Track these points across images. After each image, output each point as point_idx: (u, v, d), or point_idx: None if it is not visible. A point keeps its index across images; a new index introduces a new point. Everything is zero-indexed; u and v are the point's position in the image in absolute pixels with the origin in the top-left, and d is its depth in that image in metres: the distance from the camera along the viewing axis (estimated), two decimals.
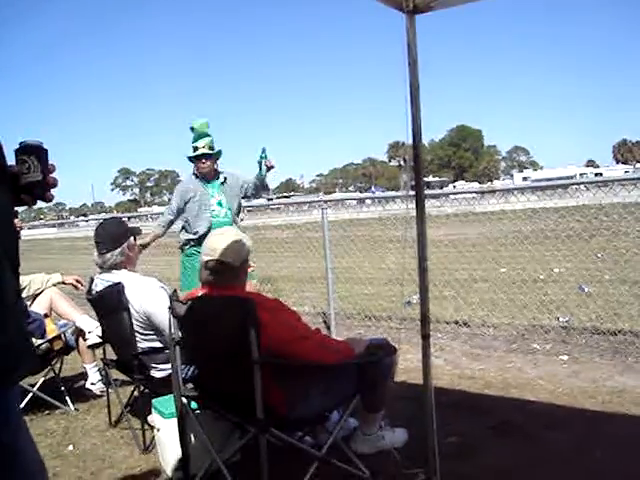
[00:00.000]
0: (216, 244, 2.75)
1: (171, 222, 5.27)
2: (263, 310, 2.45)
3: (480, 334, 5.70)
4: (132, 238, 3.89)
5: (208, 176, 5.13)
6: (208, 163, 5.09)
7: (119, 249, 3.78)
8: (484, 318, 6.03)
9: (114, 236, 3.83)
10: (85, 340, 4.49)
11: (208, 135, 5.09)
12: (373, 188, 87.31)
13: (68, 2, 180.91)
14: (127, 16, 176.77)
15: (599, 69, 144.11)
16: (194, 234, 5.06)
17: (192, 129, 5.07)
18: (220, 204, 5.12)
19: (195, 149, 5.06)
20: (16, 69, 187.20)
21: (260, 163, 5.04)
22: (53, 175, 1.51)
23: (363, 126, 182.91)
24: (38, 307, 4.44)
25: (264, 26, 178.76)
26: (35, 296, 4.54)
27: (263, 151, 5.05)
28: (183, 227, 5.22)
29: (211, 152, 5.08)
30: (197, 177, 5.15)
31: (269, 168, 5.10)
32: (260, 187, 5.26)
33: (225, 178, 5.19)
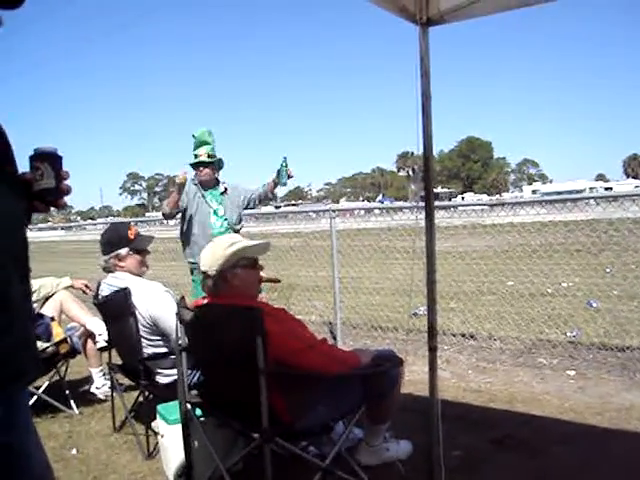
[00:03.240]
0: (203, 254, 2.81)
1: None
2: (269, 319, 2.44)
3: (487, 347, 5.67)
4: (125, 250, 3.86)
5: (207, 184, 5.10)
6: (207, 171, 5.07)
7: (107, 256, 3.85)
8: (491, 331, 6.00)
9: (107, 242, 3.90)
10: (95, 343, 4.50)
11: (208, 143, 5.06)
12: (381, 197, 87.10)
13: (78, 6, 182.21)
14: (139, 21, 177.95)
15: (611, 83, 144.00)
16: (190, 246, 5.06)
17: (193, 137, 5.07)
18: (216, 214, 5.06)
19: (195, 157, 5.05)
20: (25, 73, 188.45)
21: (279, 172, 5.01)
22: (66, 182, 1.51)
23: (372, 136, 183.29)
24: (48, 310, 4.46)
25: (276, 35, 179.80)
26: (45, 299, 4.57)
27: (284, 160, 5.02)
28: (183, 241, 5.19)
29: (210, 160, 5.05)
30: (196, 185, 5.12)
31: (288, 177, 5.09)
32: (265, 197, 5.26)
33: (226, 189, 5.16)
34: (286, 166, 5.01)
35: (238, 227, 5.19)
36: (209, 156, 5.05)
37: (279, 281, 3.47)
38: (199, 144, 5.04)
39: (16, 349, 1.29)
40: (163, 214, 5.16)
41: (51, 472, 1.57)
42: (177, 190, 4.90)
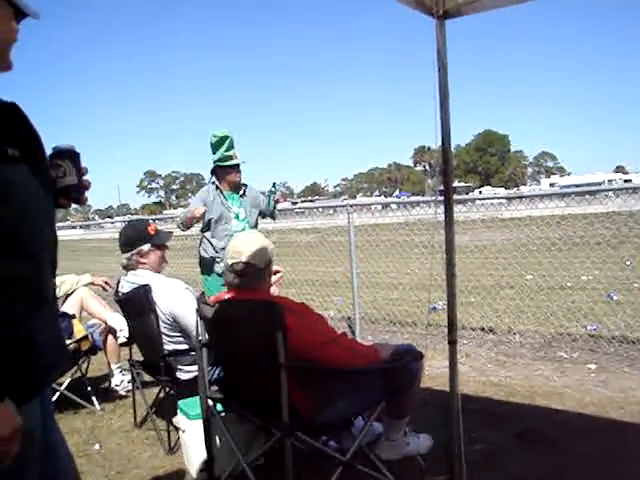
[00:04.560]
0: (241, 247, 2.76)
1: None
2: (290, 314, 2.45)
3: (506, 341, 5.65)
4: (147, 246, 3.87)
5: (233, 187, 4.98)
6: (239, 173, 4.97)
7: (128, 254, 3.85)
8: (510, 325, 5.98)
9: (127, 240, 3.91)
10: (116, 339, 4.54)
11: (233, 146, 4.93)
12: (398, 193, 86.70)
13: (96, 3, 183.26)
14: (157, 18, 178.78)
15: (628, 74, 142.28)
16: (216, 252, 4.89)
17: (223, 138, 4.85)
18: (237, 217, 4.96)
19: (229, 158, 4.87)
20: (43, 71, 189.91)
21: (269, 197, 4.97)
22: (86, 177, 1.55)
23: (388, 131, 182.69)
24: (69, 307, 4.51)
25: (291, 29, 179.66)
26: (66, 297, 4.61)
27: (274, 185, 5.01)
28: (201, 241, 5.09)
29: (241, 162, 4.96)
30: (217, 188, 4.97)
31: (276, 202, 5.05)
32: (267, 214, 5.20)
33: (244, 190, 5.05)
34: (275, 192, 5.00)
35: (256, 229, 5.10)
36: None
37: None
38: (230, 146, 4.89)
39: (50, 343, 1.34)
40: (179, 227, 5.01)
41: (75, 466, 1.61)
42: (194, 219, 4.82)
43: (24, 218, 1.26)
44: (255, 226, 5.09)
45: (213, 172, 5.04)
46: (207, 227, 4.97)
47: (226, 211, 4.91)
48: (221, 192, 4.96)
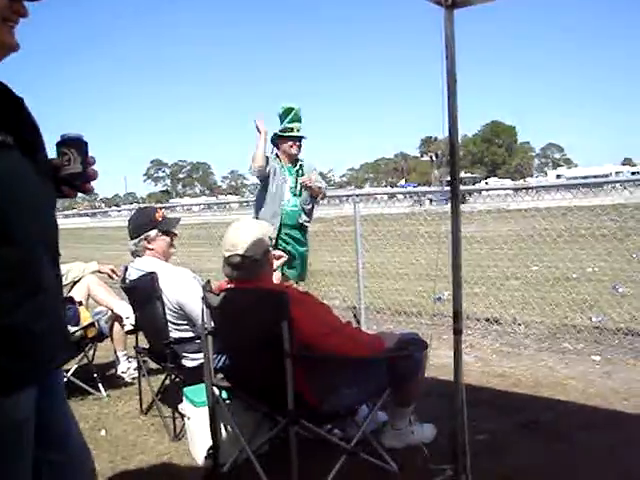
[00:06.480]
0: (235, 239, 2.71)
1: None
2: (295, 303, 2.46)
3: (511, 332, 5.65)
4: (154, 232, 3.89)
5: (292, 159, 5.11)
6: (297, 145, 5.09)
7: (136, 239, 3.87)
8: (515, 316, 5.98)
9: (135, 226, 3.93)
10: (122, 326, 4.56)
11: (300, 120, 5.07)
12: (403, 183, 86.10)
13: None
14: (160, 7, 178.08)
15: (636, 65, 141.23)
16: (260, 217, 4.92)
17: (288, 110, 5.01)
18: (292, 192, 5.06)
19: (290, 129, 5.01)
20: (48, 61, 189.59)
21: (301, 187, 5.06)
22: (93, 167, 1.54)
23: (395, 121, 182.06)
24: (75, 294, 4.52)
25: (298, 17, 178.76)
26: (73, 284, 4.64)
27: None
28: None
29: (302, 135, 5.08)
30: (277, 157, 5.13)
31: (306, 188, 5.07)
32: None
33: (301, 165, 5.16)
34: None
35: (309, 207, 5.20)
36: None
37: None
38: (295, 118, 5.03)
39: (49, 333, 1.33)
40: (256, 172, 4.98)
41: (88, 451, 1.61)
42: (264, 138, 4.90)
43: (11, 204, 1.24)
44: (307, 203, 5.17)
45: (273, 142, 5.15)
46: (261, 196, 5.08)
47: (282, 182, 5.01)
48: (280, 162, 5.09)
